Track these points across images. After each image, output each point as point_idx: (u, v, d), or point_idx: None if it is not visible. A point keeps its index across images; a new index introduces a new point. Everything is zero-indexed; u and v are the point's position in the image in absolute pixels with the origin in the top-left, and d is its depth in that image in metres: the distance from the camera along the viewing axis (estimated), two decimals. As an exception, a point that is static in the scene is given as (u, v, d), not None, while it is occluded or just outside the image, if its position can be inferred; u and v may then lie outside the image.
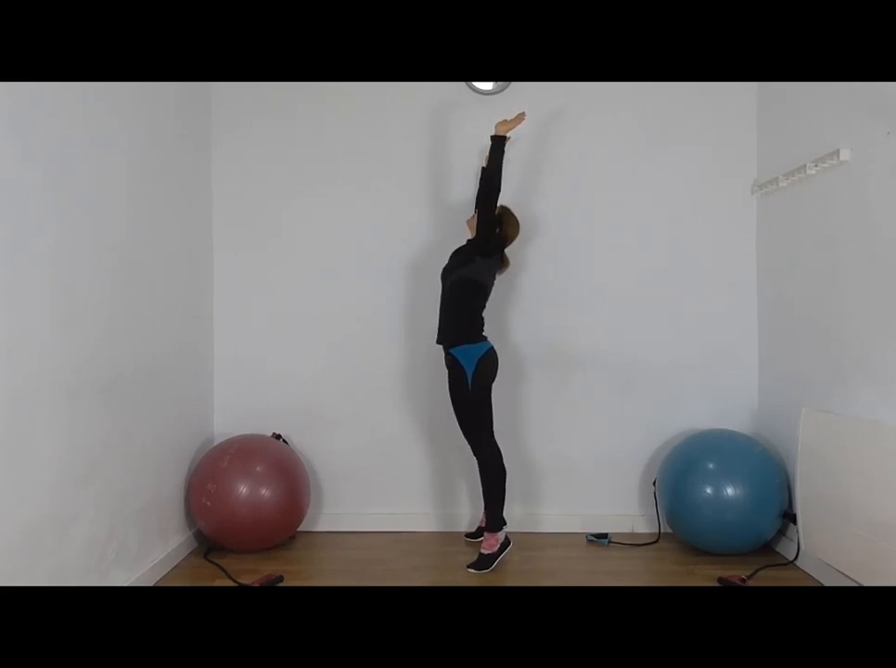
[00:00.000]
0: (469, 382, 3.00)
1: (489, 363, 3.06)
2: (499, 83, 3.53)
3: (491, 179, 3.01)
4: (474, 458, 3.13)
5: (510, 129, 3.07)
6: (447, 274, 3.15)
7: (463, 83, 3.55)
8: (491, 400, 3.07)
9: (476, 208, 3.21)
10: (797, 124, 3.13)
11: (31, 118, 2.11)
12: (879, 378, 2.54)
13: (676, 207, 3.55)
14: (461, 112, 3.57)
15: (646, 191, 3.55)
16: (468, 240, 3.20)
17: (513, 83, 3.54)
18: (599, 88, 3.54)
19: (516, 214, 3.21)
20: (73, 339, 2.32)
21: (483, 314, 3.15)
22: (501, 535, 3.06)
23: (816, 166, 2.87)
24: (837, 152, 2.71)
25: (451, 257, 3.19)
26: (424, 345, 3.51)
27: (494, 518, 3.06)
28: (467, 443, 3.12)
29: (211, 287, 3.59)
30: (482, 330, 3.12)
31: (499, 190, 3.02)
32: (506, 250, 3.21)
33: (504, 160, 3.03)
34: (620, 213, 3.55)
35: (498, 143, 3.02)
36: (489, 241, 3.07)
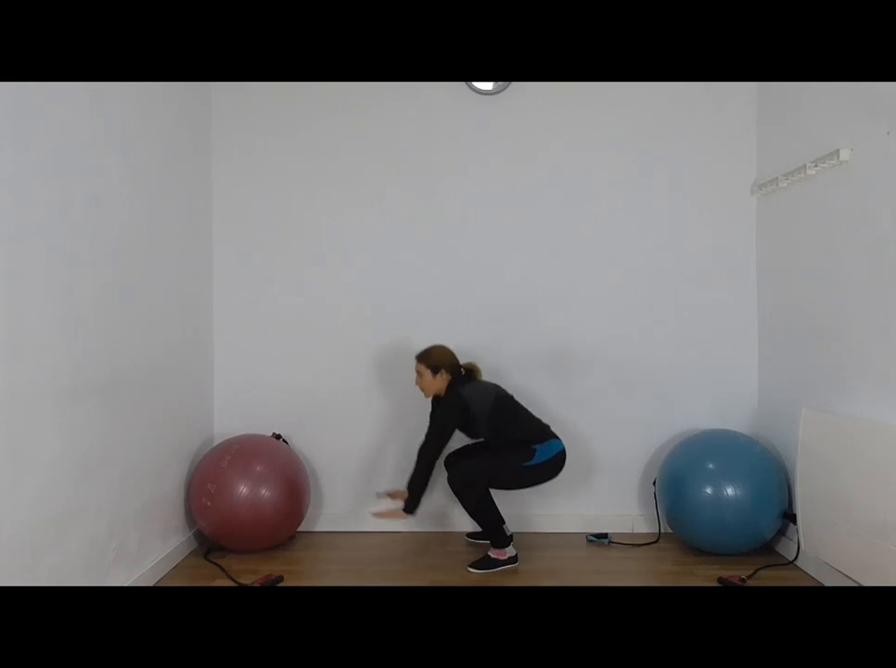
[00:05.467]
0: (529, 464, 3.00)
1: (556, 464, 3.06)
2: (499, 83, 3.53)
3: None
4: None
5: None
6: (473, 435, 3.20)
7: (463, 83, 3.55)
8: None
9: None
10: (797, 124, 3.13)
11: (32, 117, 2.11)
12: (879, 377, 2.54)
13: (676, 207, 3.55)
14: (461, 112, 3.57)
15: (647, 191, 3.55)
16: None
17: (513, 83, 3.54)
18: (599, 88, 3.54)
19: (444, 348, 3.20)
20: (73, 339, 2.32)
21: (528, 411, 3.15)
22: (510, 550, 3.05)
23: (816, 166, 2.87)
24: (837, 152, 2.71)
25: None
26: (426, 345, 3.51)
27: (497, 540, 3.04)
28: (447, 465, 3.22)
29: (211, 286, 3.59)
30: (548, 428, 3.11)
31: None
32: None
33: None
34: (620, 213, 3.56)
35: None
36: (445, 430, 3.05)
